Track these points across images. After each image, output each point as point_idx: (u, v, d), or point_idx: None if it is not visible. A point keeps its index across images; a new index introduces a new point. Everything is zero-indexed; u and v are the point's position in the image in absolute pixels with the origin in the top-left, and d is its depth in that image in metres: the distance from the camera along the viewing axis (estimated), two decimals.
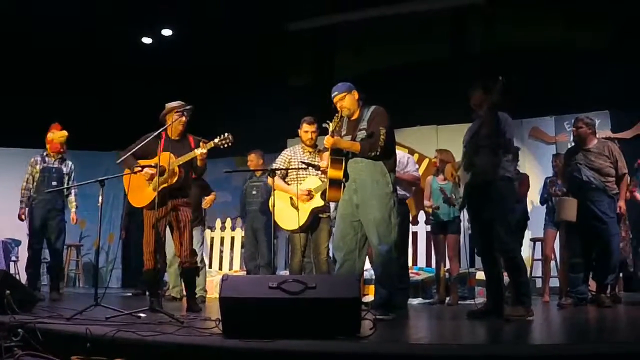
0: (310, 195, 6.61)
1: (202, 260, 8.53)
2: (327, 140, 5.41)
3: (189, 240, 6.38)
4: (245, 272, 9.03)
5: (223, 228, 10.73)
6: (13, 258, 10.80)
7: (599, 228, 6.86)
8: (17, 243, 10.61)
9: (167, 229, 6.48)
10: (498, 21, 11.44)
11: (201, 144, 6.16)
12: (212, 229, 10.70)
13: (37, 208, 8.34)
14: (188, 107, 6.28)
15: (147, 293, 6.51)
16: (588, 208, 6.90)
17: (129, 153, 6.16)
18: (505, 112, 5.67)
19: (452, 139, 10.09)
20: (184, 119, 6.32)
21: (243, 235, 9.32)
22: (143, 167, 6.18)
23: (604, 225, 6.85)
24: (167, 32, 12.03)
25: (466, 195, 5.73)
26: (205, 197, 8.50)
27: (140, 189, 6.29)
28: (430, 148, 10.71)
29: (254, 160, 8.82)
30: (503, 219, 5.50)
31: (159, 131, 5.93)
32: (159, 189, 5.96)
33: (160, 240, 6.38)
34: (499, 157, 5.53)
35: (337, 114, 5.51)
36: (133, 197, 6.38)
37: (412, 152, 11.11)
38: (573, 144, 7.87)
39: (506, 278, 5.93)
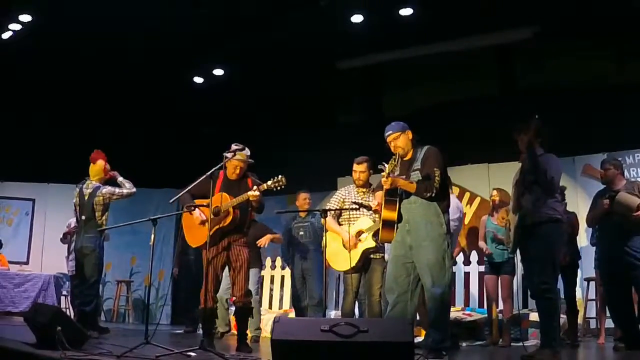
0: (359, 238, 6.58)
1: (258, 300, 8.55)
2: (384, 182, 5.36)
3: (244, 280, 6.40)
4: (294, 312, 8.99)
5: (273, 267, 10.70)
6: (64, 292, 10.95)
7: (634, 265, 6.67)
8: (68, 278, 10.73)
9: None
10: (546, 56, 11.34)
11: (254, 187, 6.19)
12: (262, 267, 10.68)
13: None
14: (237, 149, 6.28)
15: (202, 331, 6.51)
16: (621, 247, 6.72)
17: (184, 191, 6.19)
18: (550, 153, 5.63)
19: (505, 176, 9.96)
20: (235, 162, 6.34)
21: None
22: (195, 206, 6.25)
23: (639, 262, 6.68)
24: (218, 72, 12.17)
25: (517, 237, 5.66)
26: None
27: (197, 228, 6.35)
28: (482, 186, 10.62)
29: (307, 200, 8.81)
30: (547, 260, 5.46)
31: (210, 171, 5.94)
32: (212, 230, 6.02)
33: (217, 279, 6.42)
34: (543, 197, 5.49)
35: (394, 157, 5.44)
36: (190, 236, 6.45)
37: (463, 191, 11.02)
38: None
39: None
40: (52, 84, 12.07)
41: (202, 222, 6.20)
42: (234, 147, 6.36)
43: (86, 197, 7.96)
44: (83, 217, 7.91)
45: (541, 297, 5.47)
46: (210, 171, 5.91)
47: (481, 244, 8.30)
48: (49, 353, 4.78)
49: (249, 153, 6.46)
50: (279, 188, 6.13)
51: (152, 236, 6.14)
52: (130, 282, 12.57)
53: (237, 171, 6.43)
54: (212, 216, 6.08)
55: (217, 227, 6.21)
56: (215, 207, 6.18)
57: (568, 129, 9.60)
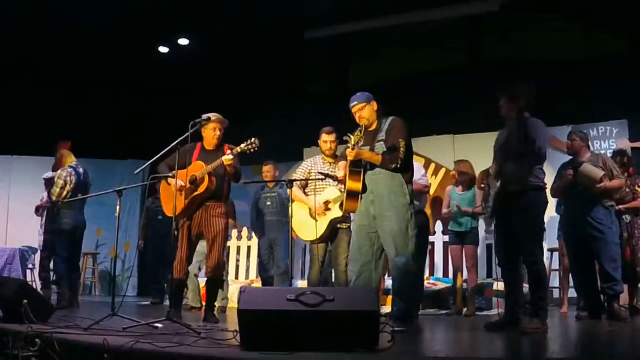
0: (327, 208, 6.60)
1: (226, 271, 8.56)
2: (349, 153, 5.38)
3: (219, 251, 6.37)
4: (260, 282, 9.03)
5: (239, 237, 10.72)
6: (29, 266, 10.85)
7: (596, 237, 6.78)
8: (34, 251, 10.64)
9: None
10: (514, 28, 11.38)
11: (227, 150, 6.17)
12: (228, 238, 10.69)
13: None
14: (203, 117, 6.21)
15: (169, 302, 6.48)
16: (584, 219, 6.82)
17: (150, 161, 6.13)
18: (538, 119, 5.64)
19: (469, 147, 10.07)
20: (213, 124, 6.34)
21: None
22: (165, 176, 6.22)
23: (601, 235, 6.76)
24: (183, 42, 12.06)
25: (496, 203, 5.67)
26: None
27: (173, 198, 6.27)
28: (447, 157, 10.68)
29: (271, 171, 8.82)
30: (534, 230, 5.50)
31: (178, 140, 5.85)
32: (189, 199, 6.08)
33: (191, 248, 6.40)
34: (528, 165, 5.48)
35: (359, 128, 5.46)
36: (167, 206, 6.40)
37: (428, 161, 11.09)
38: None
39: (525, 289, 5.89)
40: (14, 55, 11.87)
41: (180, 189, 6.14)
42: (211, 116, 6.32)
43: (82, 177, 8.38)
44: (79, 195, 8.22)
45: (532, 269, 5.47)
46: (179, 139, 5.83)
47: (444, 210, 8.38)
48: (15, 327, 4.76)
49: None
50: (252, 150, 6.09)
51: (118, 207, 6.08)
52: (96, 254, 12.48)
53: (217, 133, 6.42)
54: (189, 185, 6.12)
55: (193, 195, 6.19)
56: (192, 175, 6.19)
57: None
